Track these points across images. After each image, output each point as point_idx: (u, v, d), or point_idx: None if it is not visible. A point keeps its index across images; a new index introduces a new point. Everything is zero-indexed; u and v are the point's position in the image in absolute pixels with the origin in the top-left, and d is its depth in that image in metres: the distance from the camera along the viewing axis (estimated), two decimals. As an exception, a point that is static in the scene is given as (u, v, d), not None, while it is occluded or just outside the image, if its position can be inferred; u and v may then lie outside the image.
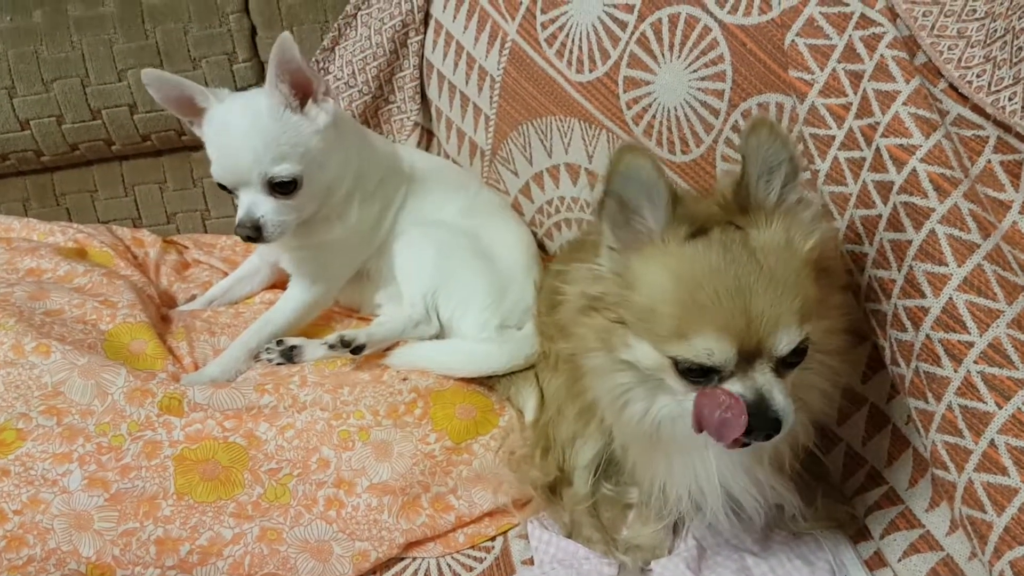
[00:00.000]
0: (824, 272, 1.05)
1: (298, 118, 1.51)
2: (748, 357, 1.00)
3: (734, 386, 1.01)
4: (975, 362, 1.02)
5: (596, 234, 1.08)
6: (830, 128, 1.21)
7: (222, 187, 1.55)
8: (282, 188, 1.50)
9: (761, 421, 1.00)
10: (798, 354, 1.01)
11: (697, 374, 1.02)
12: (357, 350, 1.54)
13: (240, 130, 1.49)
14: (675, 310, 1.00)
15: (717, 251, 1.00)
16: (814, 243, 1.02)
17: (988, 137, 1.09)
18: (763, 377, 1.00)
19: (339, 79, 2.02)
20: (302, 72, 1.49)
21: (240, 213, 1.52)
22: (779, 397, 1.00)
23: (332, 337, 1.54)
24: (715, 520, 1.23)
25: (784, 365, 1.01)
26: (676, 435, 1.13)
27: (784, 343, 0.99)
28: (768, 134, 0.97)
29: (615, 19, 1.54)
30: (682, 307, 1.00)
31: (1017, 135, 1.06)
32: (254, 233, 1.51)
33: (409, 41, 1.99)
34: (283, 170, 1.49)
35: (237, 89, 1.94)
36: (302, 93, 1.52)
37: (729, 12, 1.36)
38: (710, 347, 0.99)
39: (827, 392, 1.15)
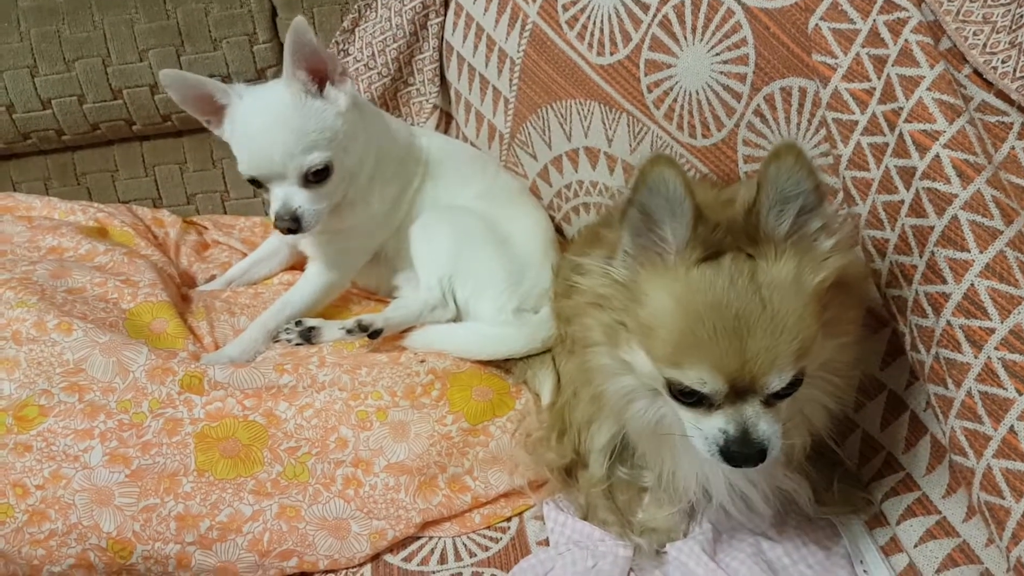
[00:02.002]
0: (844, 288, 1.04)
1: (320, 103, 1.52)
2: (739, 392, 1.01)
3: (719, 419, 1.02)
4: (996, 348, 1.02)
5: (615, 231, 1.07)
6: (853, 113, 1.20)
7: (252, 182, 1.55)
8: (316, 177, 1.52)
9: (744, 455, 1.02)
10: (794, 385, 1.01)
11: (689, 397, 1.03)
12: (375, 334, 1.55)
13: (268, 125, 1.50)
14: (673, 337, 1.01)
15: (723, 283, 0.99)
16: (826, 275, 1.00)
17: (1012, 123, 1.09)
18: (751, 409, 1.02)
19: (359, 61, 2.02)
20: (317, 55, 1.49)
21: (276, 207, 1.53)
22: (764, 428, 1.02)
23: (350, 322, 1.55)
24: (722, 508, 1.25)
25: (776, 397, 1.02)
26: (677, 432, 1.14)
27: (776, 384, 1.00)
28: (792, 163, 0.94)
29: (637, 1, 1.53)
30: (680, 336, 1.01)
31: (1042, 121, 1.06)
32: (294, 225, 1.52)
33: (429, 23, 1.99)
34: (315, 158, 1.50)
35: (257, 71, 1.95)
36: (319, 78, 1.52)
37: (752, -5, 1.35)
38: (703, 379, 1.00)
39: (829, 407, 1.15)
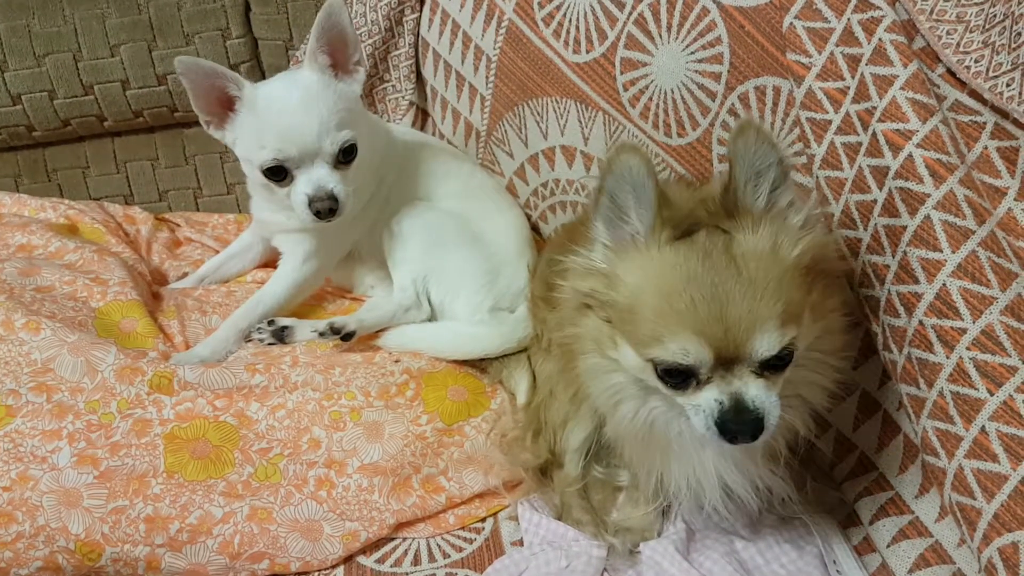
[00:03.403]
0: (822, 274, 1.05)
1: (343, 84, 1.54)
2: (727, 362, 1.00)
3: (711, 391, 1.01)
4: (967, 348, 1.02)
5: (590, 225, 1.08)
6: (827, 112, 1.20)
7: (271, 173, 1.50)
8: (346, 156, 1.51)
9: (741, 424, 1.01)
10: (784, 357, 1.01)
11: (676, 376, 1.02)
12: (347, 337, 1.54)
13: (301, 103, 1.48)
14: (653, 314, 1.01)
15: (697, 257, 1.00)
16: (803, 248, 1.01)
17: (985, 123, 1.09)
18: (741, 381, 1.00)
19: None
20: (344, 39, 1.50)
21: (308, 190, 1.49)
22: (759, 397, 1.00)
23: (322, 324, 1.54)
24: (712, 509, 1.24)
25: (769, 368, 1.01)
26: (670, 435, 1.15)
27: (763, 347, 0.98)
28: (755, 137, 0.97)
29: (613, -1, 1.52)
30: (659, 312, 1.00)
31: (1015, 121, 1.06)
32: (334, 204, 1.50)
33: (405, 19, 1.97)
34: (348, 135, 1.50)
35: (231, 66, 1.93)
36: (335, 63, 1.53)
37: (727, -7, 1.35)
38: (685, 348, 0.99)
39: (827, 387, 1.15)
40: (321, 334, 1.53)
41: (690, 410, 1.04)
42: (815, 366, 1.11)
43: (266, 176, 1.51)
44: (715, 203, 1.04)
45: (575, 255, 1.10)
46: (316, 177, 1.49)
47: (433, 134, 2.05)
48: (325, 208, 1.50)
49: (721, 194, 1.02)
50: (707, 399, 1.02)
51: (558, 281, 1.14)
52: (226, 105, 1.51)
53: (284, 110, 1.48)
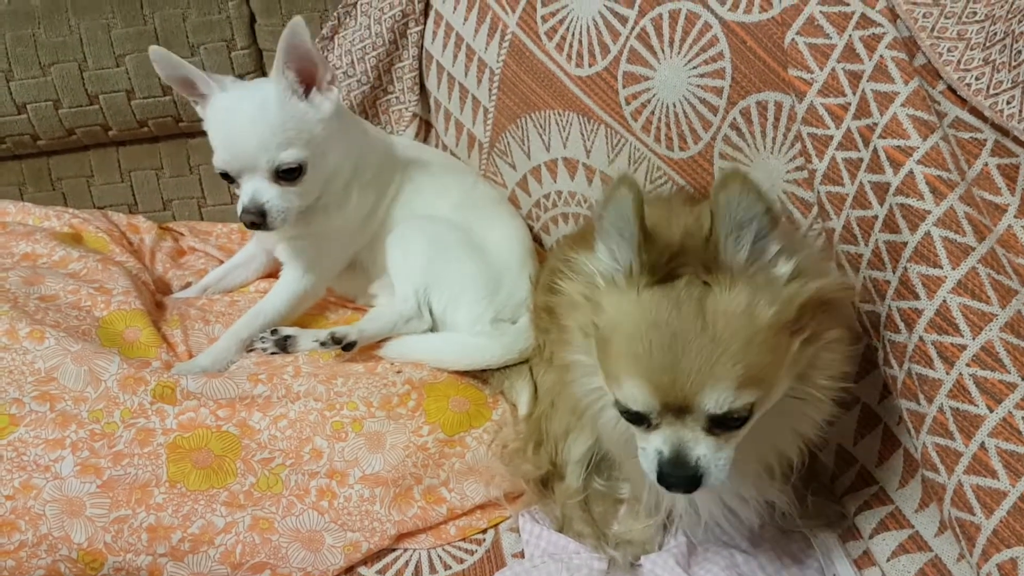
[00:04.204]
0: (824, 307, 1.01)
1: (304, 105, 1.52)
2: (676, 411, 1.00)
3: (658, 438, 1.02)
4: (967, 365, 1.03)
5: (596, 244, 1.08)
6: (828, 128, 1.21)
7: (224, 176, 1.55)
8: (287, 175, 1.51)
9: (677, 477, 1.01)
10: (738, 418, 0.99)
11: (630, 415, 1.03)
12: (348, 347, 1.54)
13: (246, 117, 1.50)
14: (616, 353, 1.02)
15: (668, 305, 0.98)
16: (784, 305, 0.97)
17: (986, 140, 1.09)
18: (690, 433, 1.00)
19: (338, 68, 2.02)
20: (310, 58, 1.49)
21: (244, 200, 1.52)
22: (704, 455, 1.00)
23: (324, 334, 1.54)
24: (713, 523, 1.24)
25: (722, 426, 1.00)
26: None
27: (711, 405, 0.97)
28: (740, 188, 0.93)
29: (616, 14, 1.53)
30: (621, 353, 1.01)
31: (1015, 139, 1.06)
32: (259, 219, 1.51)
33: (409, 31, 1.98)
34: (289, 156, 1.49)
35: (236, 77, 1.93)
36: (307, 81, 1.52)
37: (730, 9, 1.36)
38: (635, 393, 1.00)
39: (821, 420, 1.12)
40: (322, 344, 1.54)
41: (639, 450, 1.05)
42: (807, 402, 1.08)
43: (222, 176, 1.55)
44: (697, 250, 1.00)
45: (584, 259, 1.09)
46: (252, 189, 1.51)
47: (436, 145, 2.06)
48: (248, 221, 1.52)
49: (703, 244, 0.98)
50: (653, 444, 1.02)
51: (558, 281, 1.13)
52: (204, 94, 1.55)
53: (229, 121, 1.52)
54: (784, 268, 0.98)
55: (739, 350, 0.95)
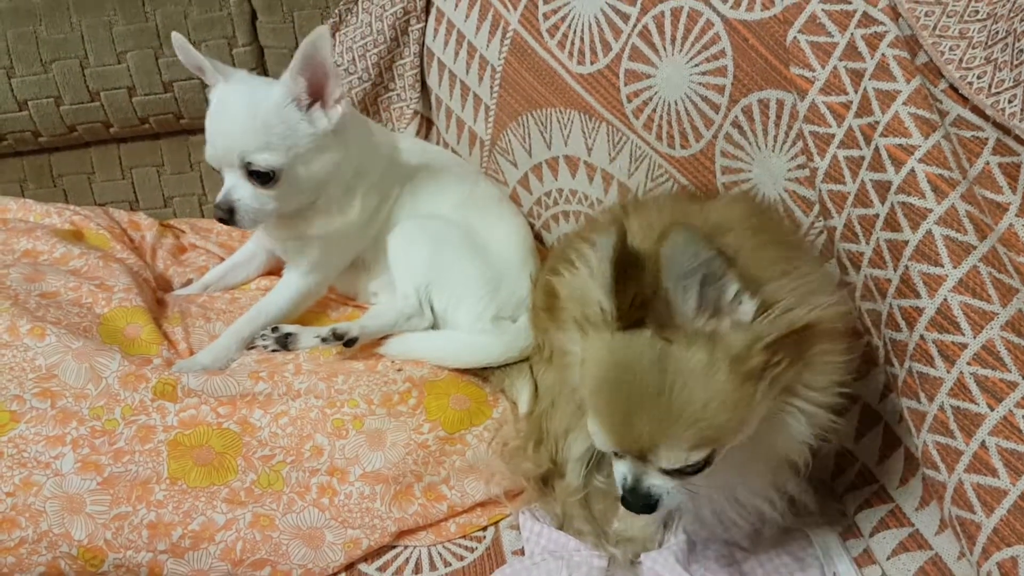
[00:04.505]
0: (805, 332, 0.98)
1: (299, 115, 1.50)
2: (634, 455, 1.02)
3: (623, 466, 1.05)
4: (968, 363, 1.03)
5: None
6: (830, 126, 1.21)
7: (215, 168, 1.55)
8: (259, 177, 1.50)
9: (634, 504, 1.06)
10: (694, 466, 1.00)
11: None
12: (350, 343, 1.54)
13: (233, 111, 1.50)
14: (586, 386, 1.04)
15: (631, 358, 0.97)
16: (745, 353, 0.94)
17: (987, 139, 1.09)
18: (650, 470, 1.03)
19: (339, 65, 2.02)
20: (324, 71, 1.48)
21: (220, 194, 1.52)
22: (655, 485, 1.04)
23: (325, 330, 1.54)
24: (711, 518, 1.24)
25: (679, 473, 1.02)
26: None
27: (664, 462, 1.00)
28: (683, 239, 0.89)
29: (617, 11, 1.53)
30: (589, 389, 1.04)
31: (1016, 138, 1.06)
32: (227, 215, 1.52)
33: (410, 29, 1.98)
34: (262, 159, 1.48)
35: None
36: (315, 93, 1.50)
37: (732, 7, 1.36)
38: (596, 434, 1.03)
39: (815, 431, 1.09)
40: (324, 340, 1.54)
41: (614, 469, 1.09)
42: (798, 413, 1.06)
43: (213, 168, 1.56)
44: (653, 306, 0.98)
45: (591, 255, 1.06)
46: (229, 184, 1.52)
47: (437, 143, 2.06)
48: (217, 216, 1.53)
49: (655, 303, 0.94)
50: (619, 470, 1.06)
51: (566, 267, 1.11)
52: None
53: (218, 113, 1.52)
54: (747, 306, 0.95)
55: (694, 414, 0.95)
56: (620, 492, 1.07)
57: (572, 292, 1.07)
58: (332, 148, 1.56)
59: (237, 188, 1.51)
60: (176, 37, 1.52)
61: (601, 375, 1.01)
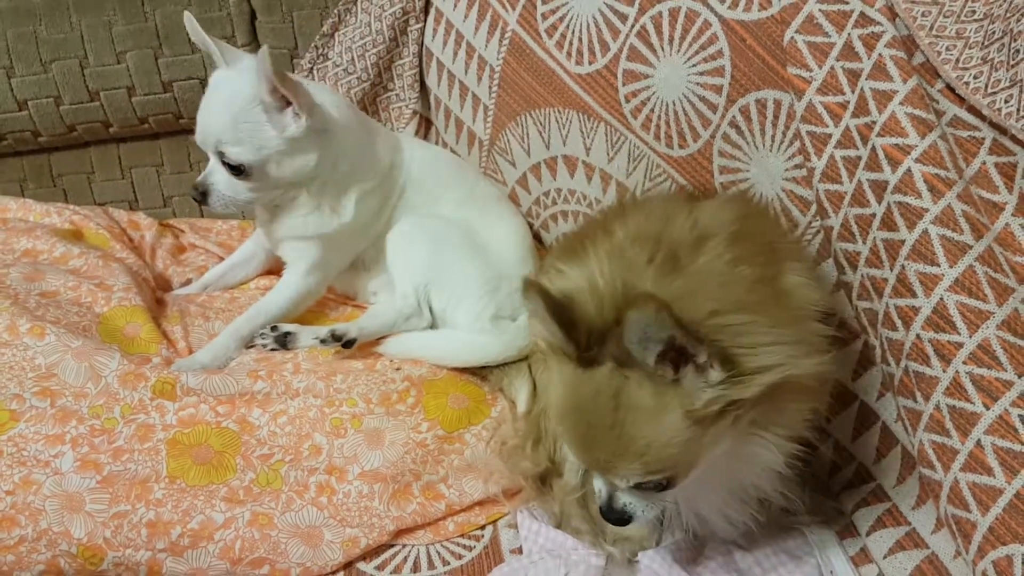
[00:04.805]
0: (780, 388, 0.99)
1: (265, 118, 1.50)
2: (603, 474, 1.07)
3: (597, 480, 1.10)
4: (964, 363, 1.03)
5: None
6: (827, 126, 1.21)
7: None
8: (231, 168, 1.54)
9: (610, 517, 1.10)
10: (659, 485, 1.03)
11: None
12: (348, 344, 1.55)
13: (216, 99, 1.53)
14: (553, 408, 1.11)
15: (590, 391, 0.99)
16: (699, 407, 0.95)
17: (984, 139, 1.10)
18: (621, 485, 1.06)
19: (338, 65, 2.02)
20: (285, 86, 1.47)
21: (200, 176, 1.57)
22: (628, 501, 1.08)
23: (323, 331, 1.55)
24: (709, 517, 1.25)
25: (645, 489, 1.05)
26: None
27: (623, 483, 1.05)
28: (653, 314, 0.89)
29: (616, 11, 1.54)
30: (555, 411, 1.09)
31: (1012, 137, 1.06)
32: (200, 197, 1.58)
33: (409, 29, 1.99)
34: (234, 153, 1.52)
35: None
36: (284, 99, 1.50)
37: (729, 7, 1.36)
38: (568, 452, 1.11)
39: (776, 472, 1.13)
40: (322, 341, 1.54)
41: None
42: (766, 443, 1.07)
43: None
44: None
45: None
46: (210, 167, 1.57)
47: (436, 143, 2.06)
48: (192, 195, 1.59)
49: (612, 343, 0.96)
50: (596, 484, 1.12)
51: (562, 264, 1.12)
52: None
53: (208, 96, 1.56)
54: (714, 374, 0.95)
55: (642, 448, 0.98)
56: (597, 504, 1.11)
57: (536, 325, 1.10)
58: (308, 151, 1.56)
59: (214, 172, 1.56)
60: (188, 17, 1.55)
61: (564, 401, 1.04)
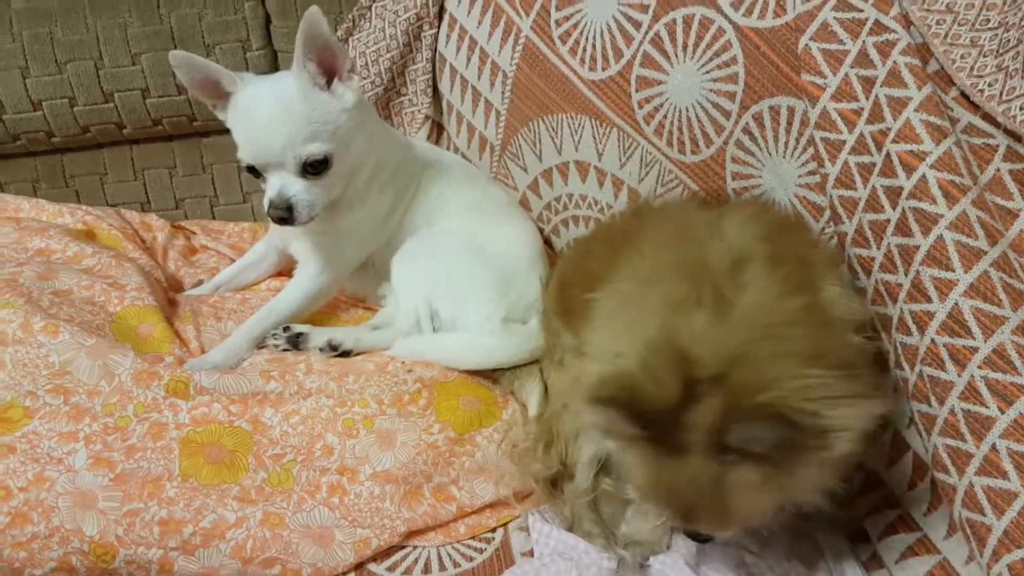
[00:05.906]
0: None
1: (327, 96, 1.52)
2: None
3: None
4: (979, 367, 1.03)
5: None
6: (841, 132, 1.21)
7: (250, 170, 1.55)
8: (314, 168, 1.51)
9: None
10: None
11: None
12: (344, 354, 1.57)
13: (270, 112, 1.49)
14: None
15: (683, 476, 1.01)
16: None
17: (998, 146, 1.10)
18: None
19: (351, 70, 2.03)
20: (329, 48, 1.49)
21: (270, 194, 1.52)
22: None
23: (323, 340, 1.57)
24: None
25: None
26: None
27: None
28: (767, 424, 0.94)
29: (630, 18, 1.54)
30: (646, 495, 1.14)
31: (1027, 144, 1.07)
32: (287, 214, 1.52)
33: (423, 34, 2.00)
34: (315, 149, 1.49)
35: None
36: (328, 72, 1.52)
37: (744, 14, 1.37)
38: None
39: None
40: (320, 350, 1.56)
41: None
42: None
43: (248, 171, 1.55)
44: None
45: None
46: (279, 184, 1.52)
47: (448, 147, 2.07)
48: (276, 216, 1.53)
49: (700, 433, 0.98)
50: None
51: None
52: (224, 94, 1.55)
53: (253, 116, 1.51)
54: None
55: (746, 516, 1.06)
56: None
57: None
58: (363, 127, 1.58)
59: (289, 186, 1.51)
60: (175, 56, 1.50)
61: (656, 483, 1.06)
